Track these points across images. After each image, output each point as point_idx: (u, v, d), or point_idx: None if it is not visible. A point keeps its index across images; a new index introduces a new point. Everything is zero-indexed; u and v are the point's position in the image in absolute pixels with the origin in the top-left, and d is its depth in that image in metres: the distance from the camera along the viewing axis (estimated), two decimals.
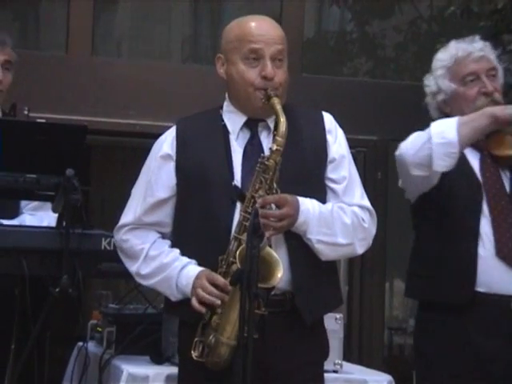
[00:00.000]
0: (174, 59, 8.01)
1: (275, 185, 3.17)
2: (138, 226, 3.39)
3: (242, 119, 3.35)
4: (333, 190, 3.34)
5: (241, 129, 3.35)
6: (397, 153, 3.70)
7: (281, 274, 3.07)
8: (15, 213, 4.16)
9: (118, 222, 3.53)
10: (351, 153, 3.50)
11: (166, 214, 3.38)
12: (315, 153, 3.34)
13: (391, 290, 8.49)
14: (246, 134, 3.34)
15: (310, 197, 3.25)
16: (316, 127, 3.39)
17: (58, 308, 3.58)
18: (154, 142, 3.43)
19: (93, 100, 6.67)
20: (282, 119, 3.17)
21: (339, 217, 3.27)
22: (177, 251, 3.31)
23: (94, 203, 7.01)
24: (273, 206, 3.14)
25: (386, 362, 7.44)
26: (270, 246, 3.14)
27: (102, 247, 3.69)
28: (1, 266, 3.62)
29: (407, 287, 3.90)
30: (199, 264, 3.22)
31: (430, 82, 3.87)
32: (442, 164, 3.53)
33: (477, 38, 3.87)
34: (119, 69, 7.11)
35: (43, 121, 4.14)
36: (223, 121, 3.38)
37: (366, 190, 3.40)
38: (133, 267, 3.37)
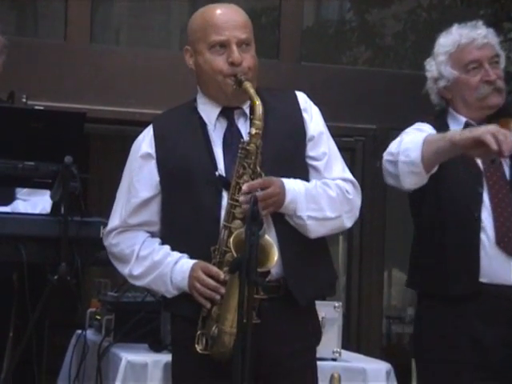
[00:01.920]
0: (173, 47, 7.98)
1: (258, 169, 3.17)
2: (125, 228, 3.38)
3: (217, 109, 3.35)
4: (314, 168, 3.34)
5: (217, 119, 3.34)
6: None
7: (277, 257, 3.08)
8: (10, 199, 4.15)
9: None
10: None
11: (152, 213, 3.37)
12: (293, 133, 3.35)
13: (389, 280, 8.50)
14: (223, 124, 3.33)
15: (294, 177, 3.26)
16: (292, 107, 3.39)
17: (57, 296, 3.58)
18: None
19: (92, 88, 6.66)
20: (258, 102, 3.17)
21: (324, 191, 3.27)
22: (167, 247, 3.30)
23: (93, 191, 7.02)
24: (259, 190, 3.13)
25: (385, 350, 7.46)
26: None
27: (101, 235, 3.64)
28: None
29: (409, 278, 3.90)
30: (191, 257, 3.22)
31: (432, 67, 3.83)
32: (409, 181, 3.55)
33: (480, 23, 3.83)
34: (118, 57, 7.10)
35: (41, 108, 4.15)
36: (198, 113, 3.38)
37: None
38: (125, 270, 3.36)
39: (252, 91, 3.19)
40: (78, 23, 6.95)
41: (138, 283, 3.37)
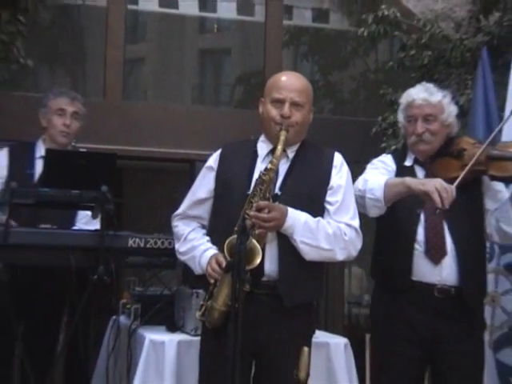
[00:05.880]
0: (185, 101, 7.99)
1: (268, 194, 3.16)
2: (184, 216, 3.42)
3: (269, 147, 3.33)
4: (327, 210, 3.29)
5: (267, 154, 3.32)
6: None
7: (258, 260, 3.05)
8: (71, 223, 4.15)
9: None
10: None
11: (204, 211, 3.39)
12: (320, 180, 3.31)
13: (350, 274, 8.45)
14: (269, 158, 3.28)
15: (310, 212, 3.23)
16: (326, 161, 3.35)
17: (97, 291, 3.58)
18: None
19: (123, 134, 6.65)
20: (279, 147, 3.17)
21: (323, 227, 3.23)
22: (205, 238, 3.33)
23: (127, 211, 7.01)
24: (266, 210, 3.12)
25: (346, 328, 7.42)
26: (264, 242, 3.14)
27: (129, 245, 3.69)
28: (54, 260, 3.61)
29: (370, 270, 3.88)
30: (220, 245, 3.19)
31: (398, 116, 3.87)
32: (373, 212, 3.58)
33: (431, 87, 3.78)
34: (144, 109, 7.09)
35: (84, 150, 4.16)
36: (256, 147, 3.38)
37: None
38: (176, 245, 3.41)
39: (282, 138, 3.20)
40: (113, 84, 6.94)
41: (181, 258, 3.41)
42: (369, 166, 3.78)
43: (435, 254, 3.58)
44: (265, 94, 3.37)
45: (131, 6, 7.24)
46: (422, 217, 3.62)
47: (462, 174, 3.48)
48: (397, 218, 3.62)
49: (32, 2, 5.60)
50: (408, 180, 3.53)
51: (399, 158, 3.79)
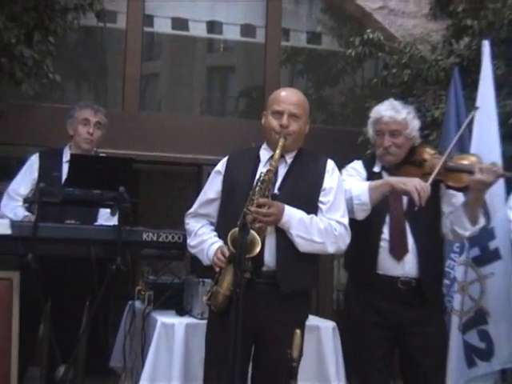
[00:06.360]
0: (195, 112, 7.99)
1: (267, 192, 3.19)
2: (195, 214, 3.45)
3: (270, 153, 3.35)
4: (320, 209, 3.32)
5: (268, 160, 3.34)
6: None
7: (258, 249, 3.08)
8: (94, 221, 4.18)
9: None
10: None
11: (213, 209, 3.41)
12: (314, 182, 3.34)
13: (339, 265, 8.40)
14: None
15: (306, 210, 3.25)
16: (320, 167, 3.38)
17: (115, 279, 3.57)
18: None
19: (140, 141, 6.64)
20: (278, 151, 3.21)
21: (316, 223, 3.25)
22: (214, 233, 3.35)
23: (142, 209, 7.01)
24: (266, 207, 3.14)
25: (335, 313, 7.39)
26: (264, 235, 3.17)
27: (143, 239, 3.69)
28: (78, 252, 3.62)
29: (344, 264, 3.91)
30: (226, 239, 3.20)
31: (368, 128, 3.86)
32: (361, 215, 3.57)
33: (395, 104, 3.78)
34: (158, 119, 7.08)
35: (104, 155, 4.18)
36: (259, 153, 3.40)
37: None
38: (188, 240, 3.43)
39: (280, 144, 3.24)
40: (131, 97, 6.94)
41: (191, 251, 3.42)
42: (345, 173, 3.76)
43: (398, 251, 3.60)
44: (267, 107, 3.40)
45: (147, 29, 7.25)
46: (388, 219, 3.63)
47: (430, 180, 3.50)
48: (367, 219, 3.62)
49: (60, 25, 5.63)
50: (391, 180, 3.56)
51: (369, 165, 3.80)
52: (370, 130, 3.80)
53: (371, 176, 3.72)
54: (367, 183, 3.61)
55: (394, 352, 3.72)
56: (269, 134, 3.35)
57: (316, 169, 3.37)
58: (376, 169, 3.76)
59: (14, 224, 3.52)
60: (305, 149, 3.44)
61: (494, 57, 4.96)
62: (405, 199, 3.61)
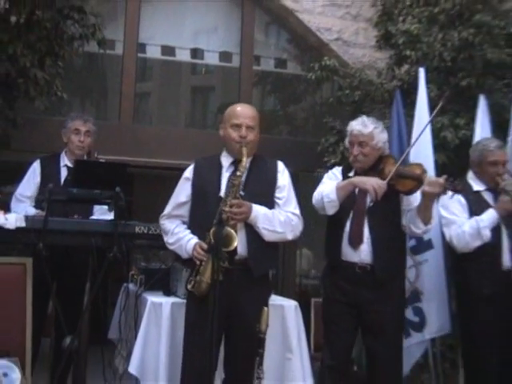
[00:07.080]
0: (180, 125, 7.94)
1: (238, 195, 3.19)
2: (169, 216, 3.39)
3: (230, 160, 3.35)
4: (277, 203, 3.34)
5: (229, 165, 3.34)
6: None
7: (236, 244, 3.09)
8: (90, 214, 4.15)
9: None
10: None
11: (185, 211, 3.37)
12: (269, 182, 3.35)
13: (301, 254, 8.43)
14: (231, 168, 3.33)
15: (266, 205, 3.26)
16: (272, 168, 3.39)
17: (112, 265, 3.57)
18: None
19: (134, 148, 6.61)
20: (244, 159, 3.21)
21: (277, 216, 3.27)
22: (188, 231, 3.31)
23: (136, 207, 6.97)
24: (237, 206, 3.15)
25: (297, 294, 7.40)
26: (236, 229, 3.16)
27: (136, 231, 3.70)
28: (80, 242, 3.61)
29: (324, 252, 3.92)
30: (199, 236, 3.21)
31: (346, 140, 3.87)
32: (331, 211, 3.63)
33: (364, 119, 3.78)
34: (149, 130, 7.05)
35: (103, 160, 4.16)
36: (220, 160, 3.37)
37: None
38: (165, 238, 3.39)
39: (244, 153, 3.22)
40: (126, 112, 6.92)
41: (170, 247, 3.37)
42: (326, 176, 3.84)
43: (354, 241, 3.63)
44: (224, 120, 3.37)
45: (141, 55, 7.23)
46: (351, 214, 3.66)
47: (386, 180, 3.56)
48: (336, 215, 3.66)
49: (68, 51, 5.65)
50: (353, 179, 3.63)
51: (346, 171, 3.84)
52: (346, 142, 3.85)
53: (346, 179, 3.75)
54: (335, 183, 3.64)
55: (358, 325, 3.73)
56: (229, 144, 3.32)
57: (270, 170, 3.37)
58: (350, 174, 3.80)
59: (27, 218, 3.52)
60: (258, 154, 3.43)
61: (428, 81, 5.02)
62: (369, 198, 3.63)
